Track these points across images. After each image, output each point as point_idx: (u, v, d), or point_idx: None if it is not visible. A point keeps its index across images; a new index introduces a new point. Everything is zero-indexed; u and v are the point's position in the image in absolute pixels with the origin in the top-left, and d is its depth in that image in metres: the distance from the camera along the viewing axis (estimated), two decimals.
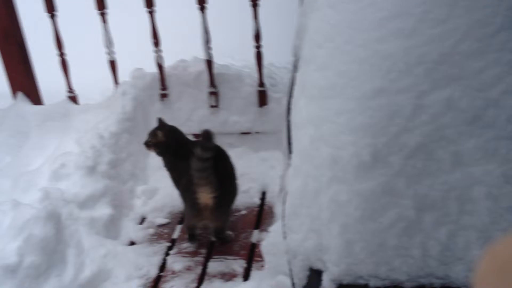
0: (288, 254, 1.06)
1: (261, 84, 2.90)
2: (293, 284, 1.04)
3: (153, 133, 2.48)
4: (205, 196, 2.26)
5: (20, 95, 3.13)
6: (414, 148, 0.90)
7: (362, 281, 0.91)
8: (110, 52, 2.98)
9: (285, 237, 1.07)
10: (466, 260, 0.88)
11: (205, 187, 2.23)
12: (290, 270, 1.05)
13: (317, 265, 0.97)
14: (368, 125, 0.92)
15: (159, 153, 2.50)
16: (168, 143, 2.46)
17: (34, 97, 3.16)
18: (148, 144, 2.48)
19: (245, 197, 2.73)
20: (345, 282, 0.92)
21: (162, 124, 2.51)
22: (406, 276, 0.90)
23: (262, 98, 2.91)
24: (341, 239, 0.92)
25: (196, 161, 2.17)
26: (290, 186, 1.07)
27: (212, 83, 2.92)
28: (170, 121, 3.00)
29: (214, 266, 2.33)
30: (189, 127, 2.99)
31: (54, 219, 2.23)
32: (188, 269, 2.33)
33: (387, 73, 0.94)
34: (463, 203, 0.88)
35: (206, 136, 2.19)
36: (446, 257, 0.89)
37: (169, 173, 2.52)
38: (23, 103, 3.11)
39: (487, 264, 0.54)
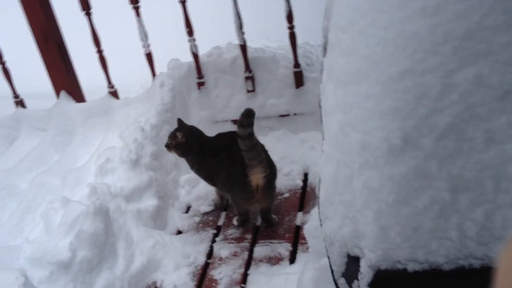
0: (325, 242, 1.06)
1: (297, 65, 2.87)
2: (332, 271, 1.04)
3: (173, 135, 2.50)
4: (258, 177, 2.29)
5: (63, 94, 3.22)
6: (445, 129, 0.88)
7: (400, 266, 0.90)
8: (146, 45, 3.02)
9: (321, 225, 1.07)
10: (504, 239, 0.86)
11: (258, 168, 2.27)
12: (328, 257, 1.05)
13: (354, 252, 0.96)
14: (396, 108, 0.91)
15: (181, 154, 2.53)
16: (188, 143, 2.47)
17: (77, 95, 3.24)
18: (169, 146, 2.50)
19: (287, 179, 2.74)
20: (383, 267, 0.91)
21: (181, 125, 2.53)
22: (444, 258, 0.88)
23: (299, 79, 2.89)
24: (376, 225, 0.91)
25: (241, 141, 2.21)
26: (323, 173, 1.07)
27: (248, 68, 2.92)
28: (208, 109, 3.04)
29: (260, 250, 2.35)
30: (227, 114, 3.01)
31: (102, 213, 2.30)
32: (235, 255, 2.37)
33: (412, 54, 0.92)
34: (498, 182, 0.86)
35: (246, 113, 2.22)
36: (484, 237, 0.87)
37: (198, 173, 2.55)
38: (66, 102, 3.20)
39: (507, 260, 0.52)
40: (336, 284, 1.04)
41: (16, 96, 3.35)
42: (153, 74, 3.09)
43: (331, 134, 1.03)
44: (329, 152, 1.04)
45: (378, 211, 0.91)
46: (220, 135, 2.55)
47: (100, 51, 3.08)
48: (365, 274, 0.93)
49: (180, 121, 2.54)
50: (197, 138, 2.51)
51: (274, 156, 2.82)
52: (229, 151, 2.35)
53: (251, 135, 2.22)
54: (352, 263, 0.97)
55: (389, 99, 0.91)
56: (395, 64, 0.92)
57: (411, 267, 0.90)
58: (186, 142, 2.47)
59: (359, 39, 0.99)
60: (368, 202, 0.92)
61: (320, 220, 1.05)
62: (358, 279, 0.95)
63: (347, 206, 0.96)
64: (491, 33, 0.88)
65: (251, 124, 2.22)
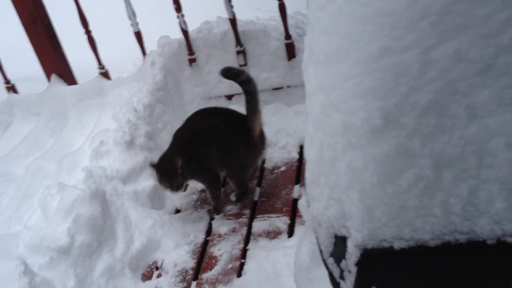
0: (313, 223, 1.05)
1: (288, 36, 2.83)
2: (321, 251, 1.04)
3: (171, 167, 2.26)
4: (259, 124, 2.39)
5: (54, 77, 3.20)
6: (426, 106, 0.86)
7: (386, 244, 0.90)
8: (134, 23, 2.98)
9: (308, 206, 1.06)
10: (490, 213, 0.85)
11: (258, 114, 2.37)
12: (317, 238, 1.05)
13: (341, 232, 0.96)
14: (377, 87, 0.89)
15: (190, 173, 2.35)
16: (187, 158, 2.31)
17: (68, 78, 3.22)
18: (178, 184, 2.30)
19: (283, 152, 2.73)
20: (369, 246, 0.91)
21: (172, 150, 2.37)
22: (430, 235, 0.88)
23: (290, 51, 2.85)
24: (362, 205, 0.90)
25: (247, 86, 2.30)
26: (307, 154, 1.06)
27: (239, 42, 2.88)
28: (201, 85, 3.01)
29: (259, 225, 2.36)
30: (221, 89, 2.99)
31: (99, 197, 2.30)
32: (234, 231, 2.38)
33: (391, 31, 0.90)
34: (482, 157, 0.85)
35: (224, 73, 2.36)
36: (469, 212, 0.86)
37: (210, 167, 2.43)
38: (58, 85, 3.18)
39: None
40: (325, 263, 1.04)
41: (7, 81, 3.32)
42: (144, 52, 3.06)
43: (313, 115, 1.02)
44: (312, 133, 1.03)
45: (362, 191, 0.90)
46: (189, 122, 2.44)
47: (88, 32, 3.04)
48: (352, 253, 0.93)
49: (158, 164, 2.32)
50: (183, 146, 2.37)
51: (269, 129, 2.82)
52: (210, 127, 2.35)
53: (250, 80, 2.30)
54: (340, 243, 0.96)
55: (369, 78, 0.89)
56: (374, 42, 0.90)
57: (398, 245, 0.90)
58: (185, 158, 2.29)
59: (337, 17, 0.97)
60: (353, 183, 0.91)
61: (308, 201, 1.04)
62: (345, 259, 0.95)
63: (332, 187, 0.96)
64: (469, 6, 0.86)
65: (239, 72, 2.32)
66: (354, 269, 0.94)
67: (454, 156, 0.85)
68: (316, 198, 1.01)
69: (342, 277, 0.99)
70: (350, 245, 0.93)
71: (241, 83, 2.33)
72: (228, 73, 2.36)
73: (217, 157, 2.38)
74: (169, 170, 2.27)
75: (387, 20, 0.90)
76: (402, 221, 0.88)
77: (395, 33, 0.89)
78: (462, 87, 0.85)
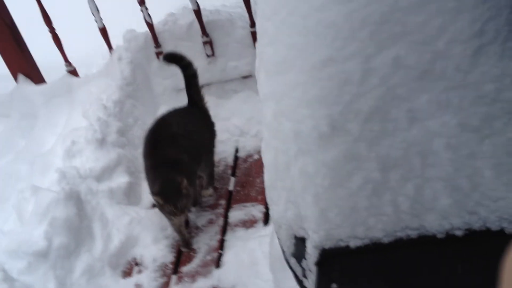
0: (274, 225, 1.09)
1: (253, 24, 2.84)
2: (283, 251, 1.08)
3: (177, 189, 2.09)
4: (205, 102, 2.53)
5: (21, 76, 3.15)
6: (369, 112, 0.90)
7: (342, 244, 0.94)
8: (98, 19, 2.95)
9: (268, 208, 1.10)
10: (436, 209, 0.90)
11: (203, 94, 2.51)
12: (278, 239, 1.09)
13: (300, 233, 1.00)
14: (322, 96, 0.92)
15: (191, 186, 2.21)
16: (189, 174, 2.22)
17: (35, 77, 3.18)
18: (183, 207, 2.15)
19: (256, 140, 2.75)
20: (327, 246, 0.95)
21: (166, 173, 2.18)
22: (382, 232, 0.92)
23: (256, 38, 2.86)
24: (316, 208, 0.94)
25: (186, 68, 2.41)
26: (264, 159, 1.09)
27: (204, 32, 2.88)
28: (170, 78, 3.01)
29: (235, 215, 2.40)
30: None
31: (73, 198, 2.31)
32: (211, 222, 2.41)
33: (332, 42, 0.92)
34: (425, 157, 0.89)
35: (166, 59, 2.46)
36: (417, 210, 0.90)
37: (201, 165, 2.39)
38: (25, 84, 3.14)
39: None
40: (288, 263, 1.08)
41: None
42: (110, 48, 3.04)
43: (267, 122, 1.05)
44: (267, 139, 1.06)
45: (316, 195, 0.93)
46: (155, 145, 2.32)
47: (52, 30, 3.00)
48: (311, 254, 0.97)
49: (161, 190, 2.12)
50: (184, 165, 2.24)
51: (240, 118, 2.84)
52: (175, 135, 2.30)
53: (190, 63, 2.42)
54: (299, 244, 1.00)
55: (315, 87, 0.92)
56: (317, 52, 0.93)
57: (353, 243, 0.94)
58: (187, 173, 2.19)
59: (282, 28, 0.99)
60: (306, 187, 0.94)
61: (267, 204, 1.07)
62: (306, 259, 0.99)
63: (288, 191, 0.99)
64: (406, 14, 0.89)
65: (181, 57, 2.42)
66: (314, 269, 0.98)
67: (399, 157, 0.89)
68: (274, 201, 1.04)
69: (304, 276, 1.03)
70: (309, 245, 0.97)
71: (183, 67, 2.41)
72: (171, 58, 2.44)
73: (195, 155, 2.35)
74: (175, 193, 2.10)
75: (328, 31, 0.93)
76: (355, 221, 0.92)
77: (336, 44, 0.92)
78: (402, 92, 0.88)
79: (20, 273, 2.09)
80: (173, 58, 2.45)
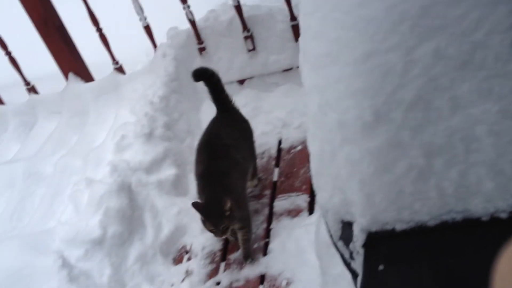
0: (321, 210, 1.15)
1: (293, 18, 2.88)
2: (331, 235, 1.14)
3: (219, 213, 2.01)
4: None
5: (71, 75, 3.30)
6: (412, 102, 0.94)
7: (388, 227, 0.99)
8: (143, 18, 3.05)
9: (315, 195, 1.15)
10: (481, 193, 0.93)
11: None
12: (326, 223, 1.14)
13: (347, 218, 1.05)
14: (365, 87, 0.97)
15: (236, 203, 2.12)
16: (233, 191, 2.16)
17: (84, 75, 3.32)
18: (225, 228, 2.04)
19: (299, 132, 2.80)
20: (373, 230, 1.00)
21: (216, 190, 2.11)
22: (428, 216, 0.96)
23: (297, 32, 2.90)
24: (362, 193, 0.99)
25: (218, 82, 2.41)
26: (310, 149, 1.14)
27: (245, 27, 2.94)
28: None
29: (280, 205, 2.46)
30: (231, 75, 3.06)
31: (125, 189, 2.42)
32: (256, 211, 2.48)
33: (373, 36, 0.97)
34: (468, 143, 0.92)
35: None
36: (461, 193, 0.94)
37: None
38: (75, 83, 3.29)
39: (506, 262, 0.59)
40: (335, 246, 1.14)
41: (27, 83, 3.44)
42: (154, 45, 3.14)
43: (312, 113, 1.10)
44: (312, 130, 1.11)
45: (361, 181, 0.98)
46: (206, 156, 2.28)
47: (99, 30, 3.12)
48: (358, 237, 1.02)
49: (204, 205, 2.06)
50: (230, 175, 2.20)
51: (282, 110, 2.90)
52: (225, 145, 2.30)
53: (213, 72, 2.41)
54: (347, 228, 1.06)
55: (358, 79, 0.97)
56: (359, 46, 0.98)
57: (399, 227, 0.99)
58: (231, 190, 2.15)
59: (324, 23, 1.05)
60: (352, 174, 1.00)
61: (312, 194, 1.13)
62: (353, 242, 1.05)
63: (335, 178, 1.04)
64: (445, 7, 0.92)
65: (211, 72, 2.40)
66: (361, 251, 1.03)
67: (442, 144, 0.93)
68: (321, 188, 1.10)
69: (352, 258, 1.08)
70: (356, 229, 1.02)
71: (210, 77, 2.40)
72: (201, 74, 2.42)
73: (244, 163, 2.35)
74: (217, 214, 2.02)
75: (369, 25, 0.98)
76: (400, 205, 0.97)
77: (378, 37, 0.97)
78: (443, 82, 0.93)
79: (78, 260, 2.22)
80: (202, 74, 2.42)
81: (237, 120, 2.49)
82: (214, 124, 2.43)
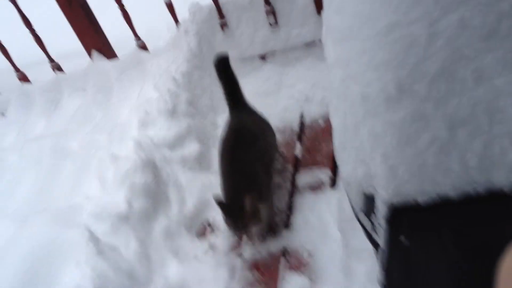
0: (343, 183, 1.15)
1: None
2: (353, 207, 1.15)
3: (241, 211, 1.99)
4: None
5: (94, 53, 3.33)
6: (435, 73, 0.93)
7: (411, 199, 0.99)
8: None
9: (338, 168, 1.16)
10: (504, 164, 0.93)
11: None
12: (348, 196, 1.15)
13: (369, 190, 1.05)
14: (389, 60, 0.96)
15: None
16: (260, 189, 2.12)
17: (107, 52, 3.35)
18: (243, 222, 2.04)
19: (320, 107, 2.80)
20: (395, 202, 1.00)
21: (240, 190, 2.06)
22: (450, 187, 0.96)
23: (319, 5, 2.88)
24: (385, 166, 0.99)
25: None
26: (333, 122, 1.15)
27: (267, 2, 2.92)
28: (234, 48, 3.09)
29: (302, 179, 2.47)
30: (254, 50, 3.06)
31: (150, 165, 2.46)
32: (279, 186, 2.50)
33: (397, 8, 0.96)
34: (492, 114, 0.92)
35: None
36: (485, 165, 0.94)
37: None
38: (99, 60, 3.32)
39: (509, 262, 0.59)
40: (357, 218, 1.15)
41: (52, 60, 3.48)
42: (176, 21, 3.15)
43: (335, 86, 1.10)
44: (335, 103, 1.11)
45: (384, 153, 0.99)
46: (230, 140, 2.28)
47: (122, 6, 3.14)
48: (381, 209, 1.03)
49: (226, 198, 2.07)
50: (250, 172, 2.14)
51: (305, 84, 2.89)
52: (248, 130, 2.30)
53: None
54: (369, 200, 1.06)
55: (381, 52, 0.97)
56: (382, 18, 0.97)
57: (421, 199, 0.99)
58: (262, 187, 2.13)
59: None
60: (375, 147, 1.00)
61: (334, 168, 1.14)
62: (375, 214, 1.06)
63: (357, 151, 1.05)
64: None
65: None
66: (383, 223, 1.04)
67: (466, 116, 0.93)
68: (344, 161, 1.11)
69: (374, 230, 1.09)
70: (378, 201, 1.03)
71: (227, 68, 2.38)
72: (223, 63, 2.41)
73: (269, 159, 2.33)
74: (239, 213, 2.03)
75: None
76: (423, 177, 0.97)
77: (401, 9, 0.96)
78: (468, 53, 0.92)
79: (104, 234, 2.27)
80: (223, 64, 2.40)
81: (255, 112, 2.44)
82: (241, 118, 2.38)
